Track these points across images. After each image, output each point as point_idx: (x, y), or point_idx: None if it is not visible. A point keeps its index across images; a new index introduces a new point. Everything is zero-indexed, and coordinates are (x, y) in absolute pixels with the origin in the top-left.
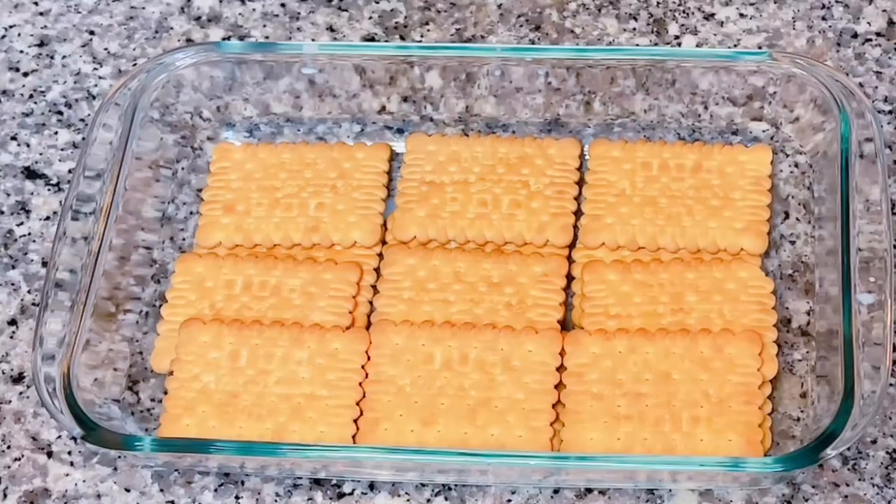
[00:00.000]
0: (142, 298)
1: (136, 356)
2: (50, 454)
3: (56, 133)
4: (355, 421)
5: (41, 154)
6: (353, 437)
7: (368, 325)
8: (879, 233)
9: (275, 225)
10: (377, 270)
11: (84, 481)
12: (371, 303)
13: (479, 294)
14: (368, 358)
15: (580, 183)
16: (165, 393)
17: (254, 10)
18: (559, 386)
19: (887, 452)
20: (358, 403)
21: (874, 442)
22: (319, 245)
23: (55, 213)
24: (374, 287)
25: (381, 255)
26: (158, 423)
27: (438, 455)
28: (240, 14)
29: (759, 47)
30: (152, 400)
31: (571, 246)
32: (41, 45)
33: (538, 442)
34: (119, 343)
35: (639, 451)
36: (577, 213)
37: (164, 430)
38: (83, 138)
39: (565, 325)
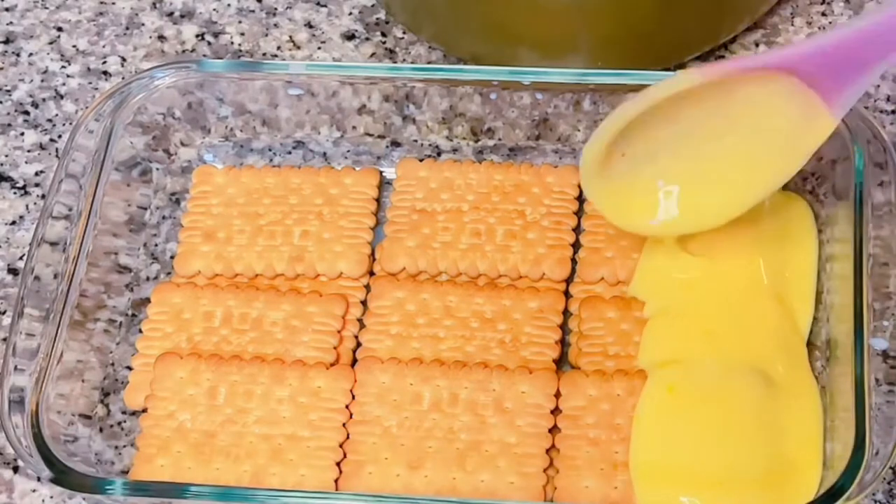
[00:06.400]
0: (116, 307)
1: (108, 368)
2: (16, 469)
3: (22, 134)
4: (338, 464)
5: (6, 156)
6: (336, 481)
7: (353, 362)
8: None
9: (257, 254)
10: (364, 303)
11: (52, 497)
12: (357, 337)
13: (471, 330)
14: (353, 397)
15: (579, 213)
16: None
17: (228, 5)
18: (553, 430)
19: (891, 468)
20: (341, 445)
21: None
22: (304, 276)
23: (21, 217)
24: (360, 321)
25: (368, 287)
26: (128, 440)
27: (425, 502)
28: (214, 10)
29: (756, 45)
30: (123, 413)
31: (569, 280)
32: (6, 41)
33: (531, 489)
34: (88, 353)
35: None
36: (576, 246)
37: (137, 470)
38: (51, 139)
39: (561, 364)
